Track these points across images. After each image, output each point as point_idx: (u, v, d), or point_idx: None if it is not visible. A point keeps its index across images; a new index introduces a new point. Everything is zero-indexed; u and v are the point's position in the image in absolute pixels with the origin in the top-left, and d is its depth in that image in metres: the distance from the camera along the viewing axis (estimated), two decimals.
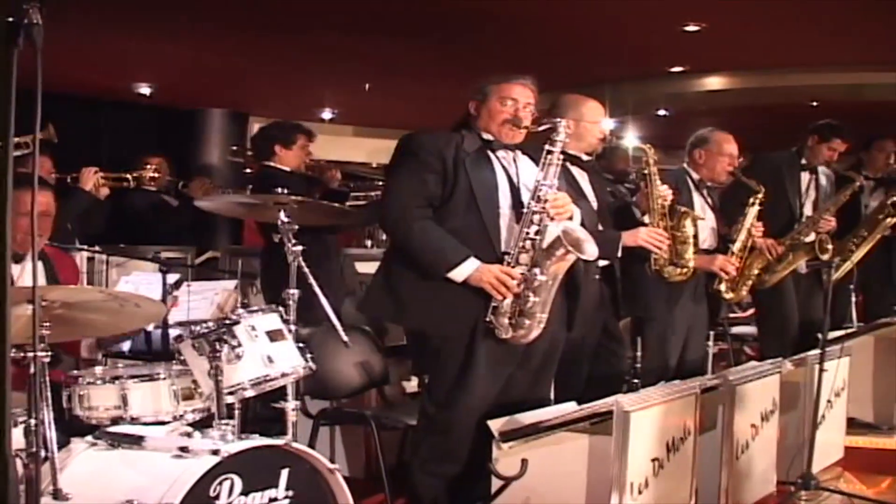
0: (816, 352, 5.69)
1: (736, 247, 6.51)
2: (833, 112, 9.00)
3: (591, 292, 5.53)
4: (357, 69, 11.73)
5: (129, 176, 8.09)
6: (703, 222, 6.29)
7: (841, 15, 9.27)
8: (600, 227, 5.62)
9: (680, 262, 6.07)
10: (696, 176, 6.53)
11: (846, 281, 7.95)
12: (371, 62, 11.31)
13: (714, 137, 6.53)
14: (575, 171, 5.69)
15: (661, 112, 13.94)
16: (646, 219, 5.96)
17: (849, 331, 6.85)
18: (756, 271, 6.76)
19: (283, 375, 4.42)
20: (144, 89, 12.99)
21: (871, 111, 11.79)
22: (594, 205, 5.70)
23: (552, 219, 4.70)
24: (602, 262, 5.71)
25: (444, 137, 4.86)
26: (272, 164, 7.29)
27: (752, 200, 6.54)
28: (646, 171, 5.91)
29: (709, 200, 6.53)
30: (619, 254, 5.76)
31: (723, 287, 6.48)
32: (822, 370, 5.60)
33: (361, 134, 16.01)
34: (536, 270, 4.61)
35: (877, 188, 8.02)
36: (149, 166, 8.32)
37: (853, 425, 6.65)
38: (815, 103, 12.80)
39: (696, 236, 6.20)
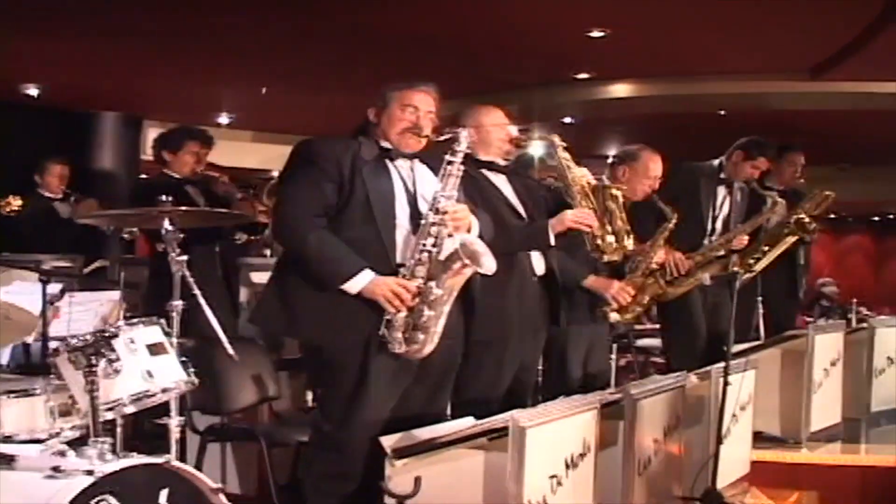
0: (721, 365, 5.63)
1: (637, 273, 6.43)
2: (739, 121, 9.02)
3: (530, 294, 5.52)
4: (255, 73, 11.65)
5: None
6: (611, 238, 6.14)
7: (746, 23, 9.33)
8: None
9: (616, 236, 5.88)
10: None
11: (752, 293, 7.91)
12: (270, 66, 11.27)
13: (643, 156, 6.42)
14: (492, 176, 5.59)
15: (568, 119, 13.90)
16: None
17: (755, 343, 6.81)
18: (647, 299, 6.64)
19: (164, 391, 4.35)
20: (32, 90, 12.69)
21: (776, 120, 11.91)
22: (519, 209, 5.60)
23: (450, 233, 4.61)
24: (539, 270, 5.61)
25: (342, 144, 4.76)
26: (165, 170, 7.30)
27: (663, 226, 6.44)
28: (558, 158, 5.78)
29: None
30: (553, 242, 5.58)
31: (609, 310, 6.34)
32: (726, 383, 5.54)
33: (260, 139, 15.88)
34: (432, 284, 4.53)
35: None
36: (10, 203, 8.12)
37: (760, 439, 6.59)
38: (722, 112, 12.87)
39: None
